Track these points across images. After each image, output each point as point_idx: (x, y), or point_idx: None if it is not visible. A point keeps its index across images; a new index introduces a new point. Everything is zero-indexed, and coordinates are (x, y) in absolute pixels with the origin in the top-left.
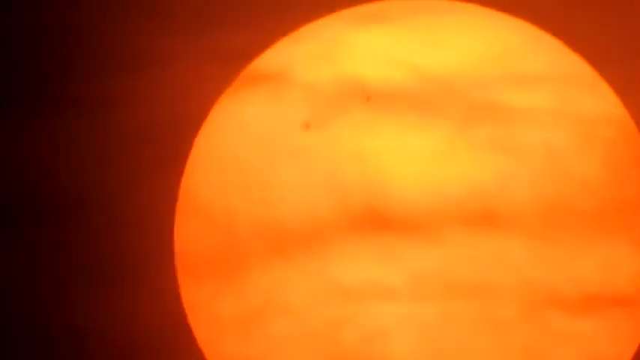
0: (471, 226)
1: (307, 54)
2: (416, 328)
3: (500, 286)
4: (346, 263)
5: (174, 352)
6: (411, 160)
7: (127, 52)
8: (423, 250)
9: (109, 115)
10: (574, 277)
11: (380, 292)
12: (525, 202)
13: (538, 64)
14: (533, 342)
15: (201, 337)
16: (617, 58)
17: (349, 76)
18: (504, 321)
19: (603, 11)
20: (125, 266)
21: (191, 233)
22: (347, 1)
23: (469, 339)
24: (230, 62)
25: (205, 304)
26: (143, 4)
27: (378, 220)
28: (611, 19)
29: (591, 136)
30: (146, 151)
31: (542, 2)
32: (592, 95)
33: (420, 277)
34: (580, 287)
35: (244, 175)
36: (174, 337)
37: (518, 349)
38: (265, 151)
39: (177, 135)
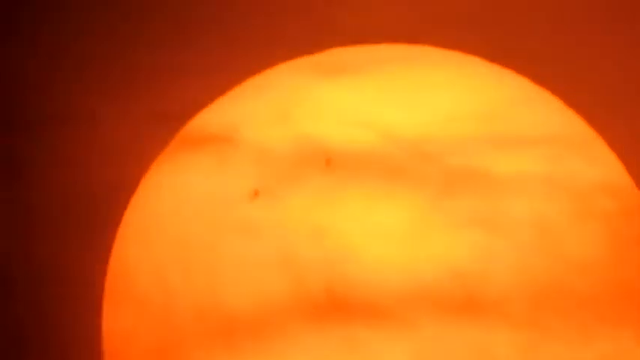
0: (448, 314)
1: (256, 111)
2: None
3: None
4: (303, 356)
5: None
6: (378, 235)
7: (55, 113)
8: (392, 341)
9: (34, 179)
10: None
11: None
12: (512, 285)
13: (528, 123)
14: None
15: None
16: (623, 119)
17: (306, 136)
18: None
19: (610, 67)
20: (49, 358)
21: (122, 320)
22: (299, 48)
23: None
24: (167, 122)
25: None
26: (72, 64)
27: (340, 306)
28: (618, 77)
29: (589, 209)
30: (71, 221)
31: (539, 52)
32: (590, 160)
33: None
34: None
35: (184, 252)
36: None
37: None
38: (208, 224)
39: (107, 204)
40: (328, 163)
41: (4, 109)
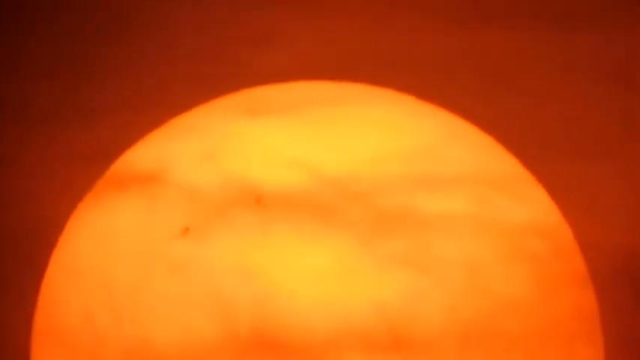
0: (377, 354)
1: (183, 150)
2: None
3: None
4: None
5: None
6: (308, 275)
7: None
8: None
9: None
10: None
11: None
12: (441, 324)
13: (457, 161)
14: None
15: None
16: (559, 158)
17: (235, 176)
18: None
19: (545, 106)
20: None
21: None
22: (222, 87)
23: None
24: (90, 163)
25: None
26: None
27: (268, 346)
28: (554, 116)
29: (517, 248)
30: None
31: (472, 90)
32: (520, 199)
33: None
34: None
35: (112, 294)
36: None
37: None
38: (137, 263)
39: (32, 247)
40: (258, 201)
41: None
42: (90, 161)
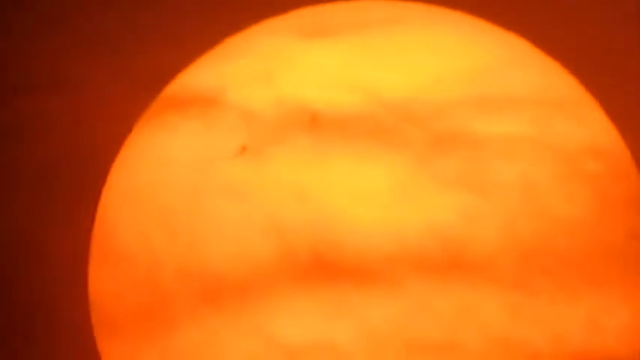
0: (434, 275)
1: (239, 72)
2: None
3: (469, 344)
4: (289, 318)
5: None
6: (363, 197)
7: (29, 74)
8: (379, 302)
9: (9, 146)
10: (556, 334)
11: (329, 352)
12: (498, 246)
13: (518, 84)
14: None
15: None
16: (619, 82)
17: (291, 98)
18: None
19: (610, 30)
20: (35, 320)
21: (107, 284)
22: (278, 5)
23: None
24: (146, 83)
25: None
26: (47, 21)
27: (325, 268)
28: (617, 39)
29: (576, 170)
30: (52, 187)
31: (536, 11)
32: (580, 122)
33: (376, 334)
34: (562, 346)
35: (168, 216)
36: None
37: None
38: (192, 188)
39: (88, 169)
40: (313, 120)
41: None
42: (144, 83)
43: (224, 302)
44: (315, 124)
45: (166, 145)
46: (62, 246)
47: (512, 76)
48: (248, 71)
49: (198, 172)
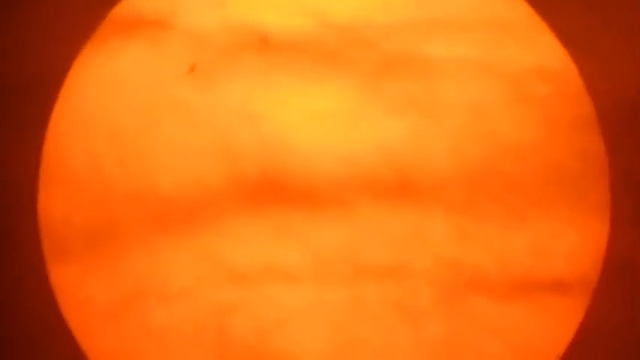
0: (383, 199)
1: None
2: (320, 317)
3: (418, 267)
4: (238, 242)
5: (46, 341)
6: (313, 120)
7: None
8: (328, 226)
9: None
10: (503, 258)
11: (277, 274)
12: (446, 169)
13: (464, 7)
14: (455, 332)
15: (74, 323)
16: (572, 6)
17: (241, 22)
18: (422, 308)
19: None
20: None
21: (57, 207)
22: None
23: (382, 328)
24: (94, 6)
25: (76, 286)
26: None
27: (275, 192)
28: None
29: (523, 93)
30: (2, 111)
31: None
32: (528, 45)
33: (325, 257)
34: (510, 269)
35: (118, 139)
36: (45, 324)
37: (437, 339)
38: (142, 111)
39: (36, 93)
40: (263, 43)
41: None
42: (92, 6)
43: (173, 226)
44: (266, 47)
45: (115, 68)
46: (11, 170)
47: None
48: None
49: (148, 95)
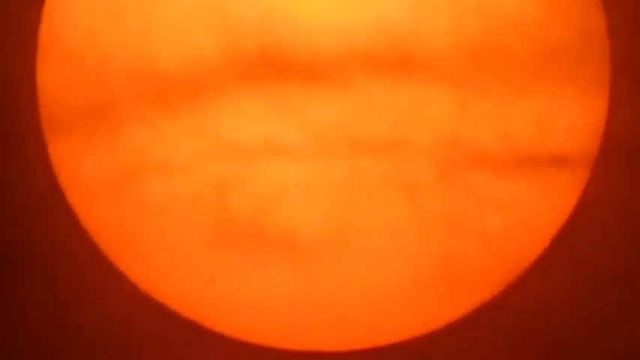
0: (382, 73)
1: None
2: (318, 191)
3: (417, 142)
4: (236, 118)
5: (46, 216)
6: None
7: None
8: (327, 101)
9: None
10: (503, 132)
11: (276, 149)
12: (447, 44)
13: None
14: (454, 208)
15: (73, 198)
16: None
17: None
18: (421, 183)
19: None
20: None
21: (56, 83)
22: None
23: (380, 204)
24: None
25: (75, 162)
26: None
27: (273, 67)
28: None
29: None
30: None
31: None
32: None
33: (324, 132)
34: (510, 144)
35: (116, 13)
36: (44, 199)
37: (436, 215)
38: None
39: None
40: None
41: None
42: None
43: (172, 102)
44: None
45: None
46: (10, 46)
47: None
48: None
49: None
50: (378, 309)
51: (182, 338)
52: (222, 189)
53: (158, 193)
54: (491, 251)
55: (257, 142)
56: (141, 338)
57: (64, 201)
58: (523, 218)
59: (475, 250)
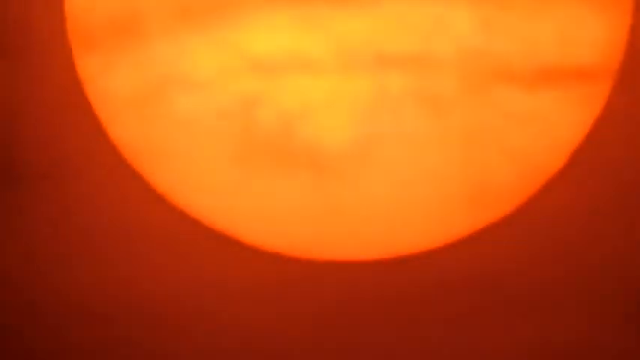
0: None
1: None
2: (343, 106)
3: (441, 56)
4: (262, 32)
5: (74, 131)
6: None
7: None
8: (351, 15)
9: None
10: (527, 46)
11: (301, 64)
12: None
13: None
14: (479, 121)
15: (101, 112)
16: None
17: None
18: (446, 97)
19: None
20: (11, 35)
21: None
22: None
23: (404, 118)
24: None
25: (102, 76)
26: None
27: None
28: None
29: None
30: None
31: None
32: None
33: (349, 47)
34: (534, 57)
35: None
36: (72, 113)
37: (461, 129)
38: None
39: None
40: None
41: None
42: None
43: (197, 16)
44: None
45: None
46: None
47: None
48: None
49: None
50: (401, 220)
51: (207, 247)
52: (247, 104)
53: (184, 107)
54: (514, 164)
55: (282, 56)
56: (167, 247)
57: (92, 114)
58: (545, 131)
59: (497, 163)
